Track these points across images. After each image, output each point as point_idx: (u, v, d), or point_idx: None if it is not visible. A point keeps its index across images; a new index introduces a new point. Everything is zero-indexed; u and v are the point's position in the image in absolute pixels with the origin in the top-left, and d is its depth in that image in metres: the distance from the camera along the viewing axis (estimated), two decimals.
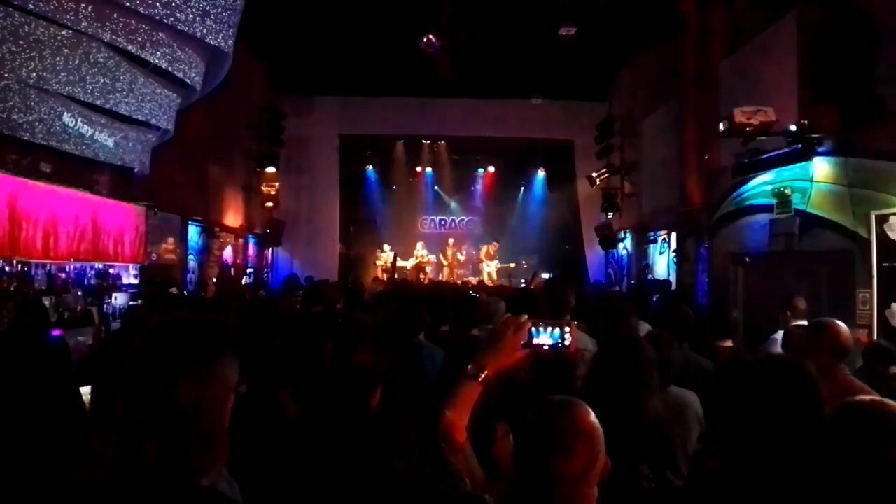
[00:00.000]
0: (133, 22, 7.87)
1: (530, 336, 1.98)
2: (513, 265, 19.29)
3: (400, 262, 18.64)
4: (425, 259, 19.41)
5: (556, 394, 1.86)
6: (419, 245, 19.71)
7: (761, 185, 9.03)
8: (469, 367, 1.95)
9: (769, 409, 2.10)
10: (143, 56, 8.25)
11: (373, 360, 2.98)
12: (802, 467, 2.01)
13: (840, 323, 3.45)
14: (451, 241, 20.06)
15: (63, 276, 8.08)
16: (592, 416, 1.76)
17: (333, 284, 9.57)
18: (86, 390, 3.41)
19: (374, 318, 5.17)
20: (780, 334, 4.67)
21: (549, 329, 1.99)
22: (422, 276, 17.78)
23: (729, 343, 4.49)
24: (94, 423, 2.39)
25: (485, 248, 19.15)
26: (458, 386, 1.95)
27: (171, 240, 11.20)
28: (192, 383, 1.27)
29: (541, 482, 1.70)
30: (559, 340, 1.99)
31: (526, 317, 2.00)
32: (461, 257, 20.00)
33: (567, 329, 2.00)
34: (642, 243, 14.68)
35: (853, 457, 1.79)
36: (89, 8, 7.33)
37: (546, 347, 1.99)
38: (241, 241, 15.05)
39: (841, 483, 1.80)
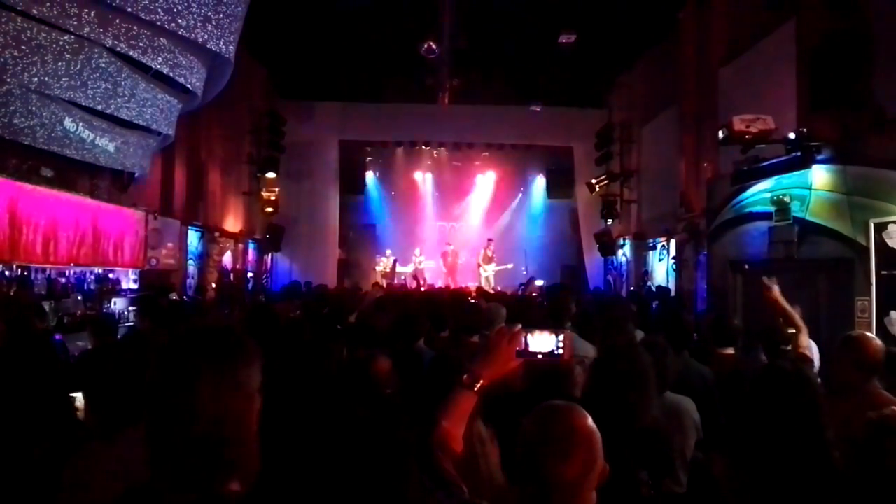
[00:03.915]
0: (135, 27, 7.89)
1: (525, 345, 1.98)
2: (510, 266, 19.30)
3: (399, 268, 18.65)
4: (422, 265, 19.42)
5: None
6: (417, 251, 19.73)
7: (760, 192, 9.04)
8: (464, 376, 1.95)
9: (769, 416, 2.11)
10: (144, 61, 8.27)
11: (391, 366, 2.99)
12: (803, 474, 2.02)
13: (870, 336, 3.35)
14: (449, 247, 20.05)
15: (63, 280, 8.09)
16: (590, 421, 1.77)
17: (347, 292, 9.42)
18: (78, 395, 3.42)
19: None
20: None
21: (544, 337, 1.99)
22: (420, 281, 17.76)
23: (730, 351, 4.48)
24: (90, 430, 2.39)
25: (482, 251, 19.16)
26: (453, 395, 1.95)
27: (170, 245, 11.20)
28: (214, 392, 1.28)
29: (539, 486, 1.71)
30: (553, 349, 1.99)
31: (520, 326, 2.01)
32: (460, 262, 19.97)
33: (561, 337, 2.00)
34: (641, 250, 14.69)
35: (884, 469, 1.78)
36: (91, 13, 7.35)
37: (540, 356, 1.99)
38: (240, 246, 15.05)
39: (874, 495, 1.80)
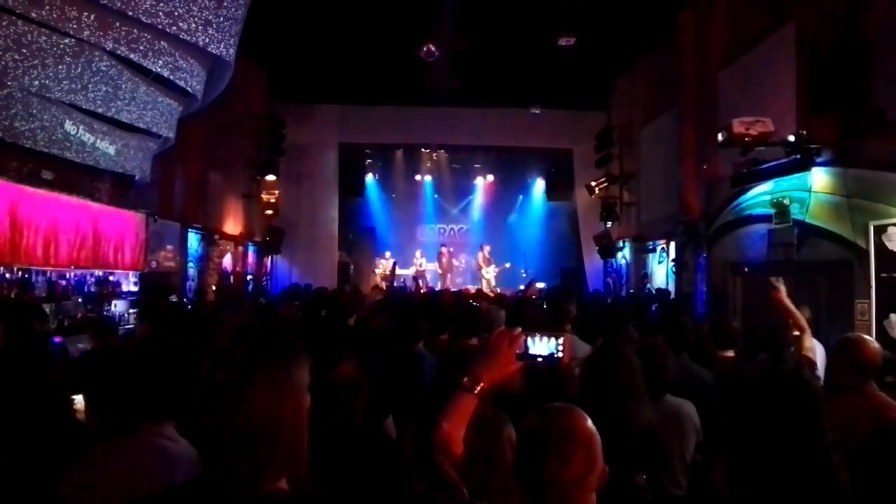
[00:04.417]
0: (135, 31, 7.90)
1: (525, 348, 1.99)
2: (507, 265, 19.29)
3: (399, 271, 18.63)
4: (423, 267, 19.43)
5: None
6: (418, 253, 19.74)
7: (760, 195, 9.06)
8: (465, 379, 1.96)
9: (767, 419, 2.11)
10: (145, 65, 8.28)
11: (356, 372, 2.99)
12: (802, 478, 2.02)
13: (867, 338, 3.36)
14: (444, 249, 20.05)
15: (63, 283, 8.09)
16: (590, 423, 1.78)
17: (346, 294, 9.41)
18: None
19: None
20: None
21: (544, 341, 2.00)
22: (419, 283, 17.75)
23: (730, 353, 4.49)
24: (90, 432, 2.40)
25: (480, 254, 19.18)
26: (454, 398, 1.96)
27: (170, 247, 11.21)
28: (269, 390, 1.30)
29: (538, 487, 1.72)
30: (553, 352, 2.00)
31: (520, 329, 2.01)
32: (456, 263, 19.95)
33: (561, 340, 2.01)
34: (641, 252, 14.70)
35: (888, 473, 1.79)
36: (92, 17, 7.36)
37: (540, 359, 2.00)
38: (240, 248, 15.06)
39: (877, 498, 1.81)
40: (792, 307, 4.19)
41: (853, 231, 7.17)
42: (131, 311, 9.29)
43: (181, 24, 8.22)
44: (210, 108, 10.66)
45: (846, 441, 2.36)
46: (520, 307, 6.35)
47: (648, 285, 13.87)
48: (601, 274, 17.22)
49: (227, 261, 14.16)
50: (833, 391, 3.07)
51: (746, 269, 9.47)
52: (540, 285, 14.57)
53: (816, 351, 4.16)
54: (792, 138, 7.74)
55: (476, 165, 20.77)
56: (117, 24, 7.69)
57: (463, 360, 2.46)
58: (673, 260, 12.46)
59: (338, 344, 3.20)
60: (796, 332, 4.13)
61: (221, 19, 8.85)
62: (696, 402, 3.47)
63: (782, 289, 4.21)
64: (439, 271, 19.72)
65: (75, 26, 7.23)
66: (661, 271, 13.39)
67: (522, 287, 14.84)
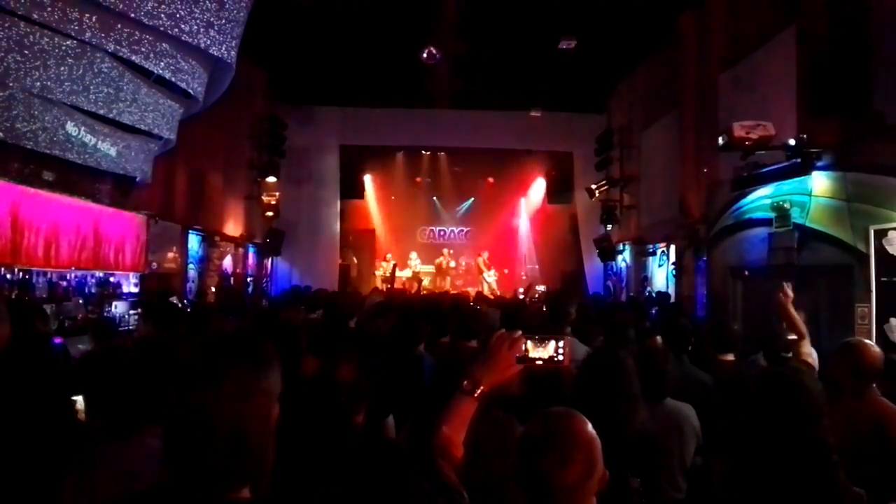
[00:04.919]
0: (137, 33, 7.92)
1: (525, 351, 1.98)
2: (506, 271, 19.25)
3: (399, 273, 18.66)
4: (417, 269, 19.45)
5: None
6: (413, 255, 19.75)
7: (760, 198, 9.06)
8: (465, 382, 1.95)
9: (766, 422, 2.12)
10: (146, 66, 8.31)
11: (356, 375, 3.00)
12: (802, 481, 2.03)
13: (868, 343, 3.35)
14: (445, 251, 20.05)
15: (64, 284, 8.10)
16: (589, 427, 1.78)
17: (346, 296, 9.40)
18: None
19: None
20: None
21: (544, 343, 2.00)
22: (415, 285, 17.78)
23: (730, 357, 4.49)
24: (91, 434, 2.40)
25: (480, 259, 19.20)
26: (453, 402, 1.95)
27: (171, 249, 11.22)
28: (237, 398, 1.27)
29: (538, 492, 1.72)
30: (553, 355, 1.99)
31: (520, 332, 2.01)
32: (452, 265, 19.91)
33: (561, 343, 2.00)
34: (641, 255, 14.70)
35: None
36: (94, 18, 7.38)
37: (540, 362, 1.99)
38: (240, 250, 15.07)
39: None
40: (794, 313, 4.19)
41: (853, 235, 7.17)
42: (132, 312, 9.30)
43: (183, 25, 8.24)
44: (211, 109, 10.67)
45: (848, 445, 2.36)
46: (519, 310, 6.36)
47: (648, 288, 13.87)
48: (601, 277, 17.21)
49: (228, 262, 14.17)
50: (834, 396, 3.08)
51: (747, 273, 9.47)
52: (540, 288, 14.59)
53: (814, 357, 4.17)
54: (792, 142, 7.74)
55: (476, 168, 20.76)
56: (119, 25, 7.71)
57: (462, 363, 2.46)
58: (673, 263, 12.46)
59: (340, 346, 3.21)
60: (793, 337, 4.13)
61: (223, 21, 8.87)
62: (695, 406, 3.47)
63: (790, 295, 4.20)
64: (435, 272, 19.72)
65: (77, 28, 7.25)
66: (661, 274, 13.39)
67: (522, 290, 14.87)
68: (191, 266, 12.21)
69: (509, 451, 1.99)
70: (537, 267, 20.23)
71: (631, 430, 2.66)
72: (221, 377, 1.28)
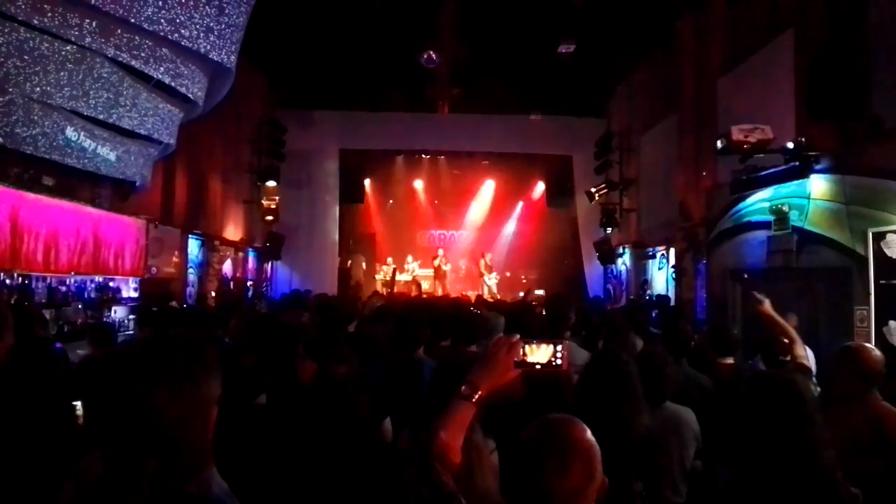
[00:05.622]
0: (137, 38, 7.93)
1: (523, 355, 1.97)
2: (507, 274, 19.22)
3: (399, 277, 18.65)
4: (415, 272, 19.43)
5: (550, 412, 1.87)
6: (409, 258, 19.75)
7: (759, 202, 9.07)
8: (463, 387, 1.94)
9: (759, 425, 2.12)
10: (146, 71, 8.30)
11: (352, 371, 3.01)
12: (796, 479, 2.03)
13: (869, 346, 3.36)
14: (440, 251, 20.03)
15: (63, 289, 8.10)
16: (589, 434, 1.77)
17: (346, 300, 9.38)
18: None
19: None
20: None
21: (542, 348, 1.99)
22: (414, 288, 17.78)
23: (730, 360, 4.50)
24: (88, 440, 2.40)
25: (482, 261, 19.18)
26: (451, 406, 1.93)
27: (171, 253, 11.22)
28: (170, 398, 1.31)
29: (537, 499, 1.72)
30: (552, 359, 1.98)
31: (518, 336, 1.99)
32: (446, 268, 19.87)
33: (560, 347, 1.99)
34: (641, 259, 14.71)
35: None
36: (94, 23, 7.39)
37: (539, 366, 1.98)
38: (240, 254, 15.07)
39: None
40: (778, 318, 4.19)
41: (852, 238, 7.19)
42: (131, 317, 9.30)
43: (183, 30, 8.25)
44: (211, 114, 10.68)
45: (849, 449, 2.36)
46: (519, 314, 6.35)
47: (648, 291, 13.87)
48: (601, 280, 17.21)
49: (228, 267, 14.16)
50: (835, 400, 3.08)
51: (746, 276, 9.48)
52: (539, 292, 14.59)
53: (810, 357, 4.18)
54: (791, 145, 7.76)
55: (476, 172, 20.78)
56: (119, 30, 7.72)
57: (460, 368, 2.47)
58: (673, 266, 12.47)
59: (337, 348, 3.22)
60: (786, 341, 4.14)
61: (223, 26, 8.88)
62: (695, 409, 3.47)
63: (766, 302, 4.20)
64: (433, 276, 19.71)
65: (77, 33, 7.25)
66: (660, 277, 13.40)
67: (522, 294, 14.87)
68: (190, 270, 12.21)
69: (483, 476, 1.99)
70: (538, 270, 20.22)
71: (634, 433, 2.66)
72: (159, 382, 1.31)
